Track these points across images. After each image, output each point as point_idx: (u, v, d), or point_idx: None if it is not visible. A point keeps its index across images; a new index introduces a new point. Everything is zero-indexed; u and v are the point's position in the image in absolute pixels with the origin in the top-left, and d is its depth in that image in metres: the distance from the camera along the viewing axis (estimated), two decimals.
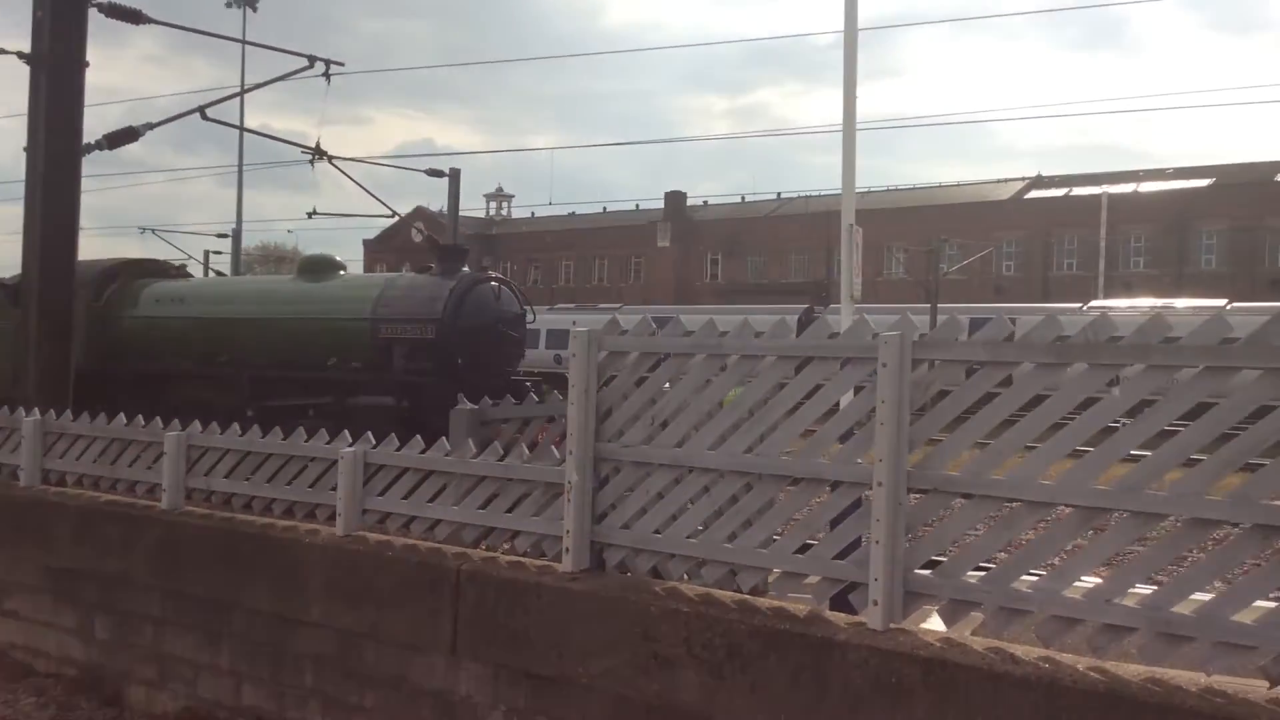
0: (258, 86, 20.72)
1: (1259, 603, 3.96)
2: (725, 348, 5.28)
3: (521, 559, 5.84)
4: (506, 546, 6.05)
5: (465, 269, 12.37)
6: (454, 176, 26.01)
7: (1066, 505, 4.33)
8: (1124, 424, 4.20)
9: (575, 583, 5.35)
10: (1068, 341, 4.33)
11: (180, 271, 16.33)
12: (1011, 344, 4.49)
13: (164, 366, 13.46)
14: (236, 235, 44.91)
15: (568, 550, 5.53)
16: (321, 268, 13.57)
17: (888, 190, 71.45)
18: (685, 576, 5.37)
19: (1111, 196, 57.80)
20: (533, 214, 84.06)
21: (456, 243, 13.67)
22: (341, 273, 13.79)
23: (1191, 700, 3.76)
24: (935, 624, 4.74)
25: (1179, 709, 3.74)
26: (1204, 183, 58.79)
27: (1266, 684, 3.85)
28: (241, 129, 29.02)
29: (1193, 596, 4.12)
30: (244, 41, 28.67)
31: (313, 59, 16.95)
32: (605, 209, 79.85)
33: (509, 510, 5.97)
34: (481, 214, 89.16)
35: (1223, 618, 3.92)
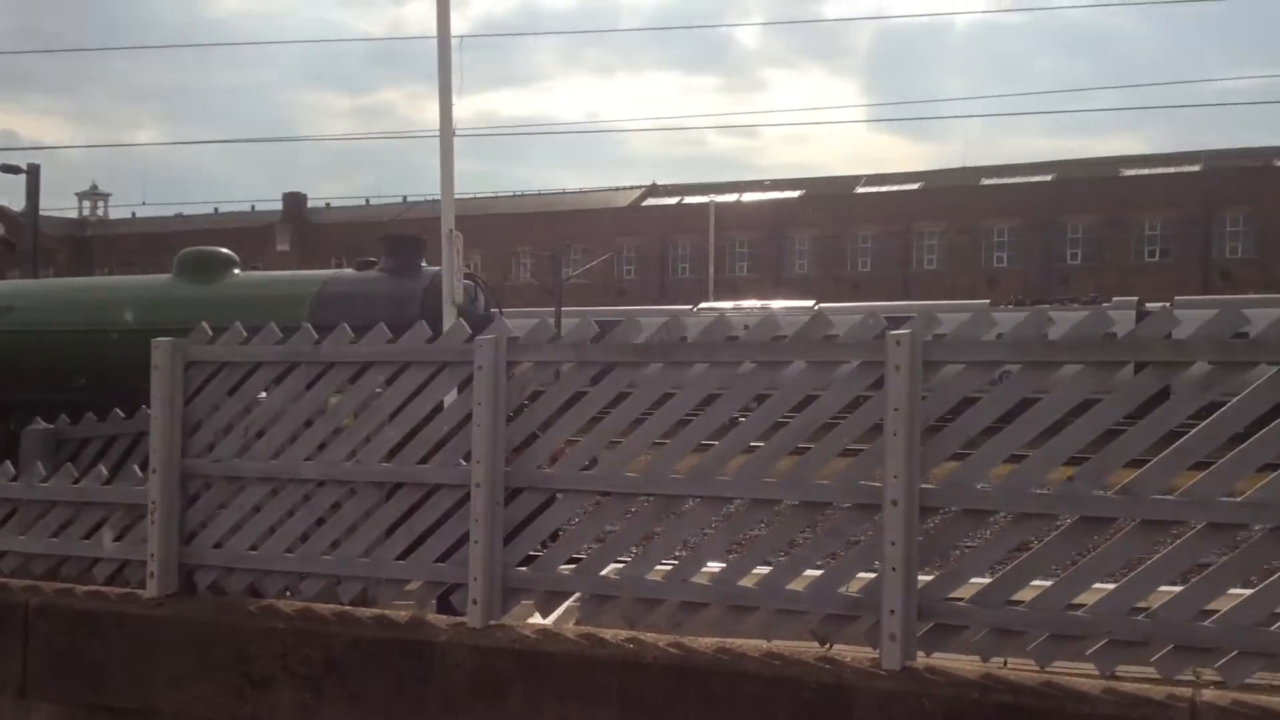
0: None
1: (809, 571, 4.44)
2: (321, 355, 5.17)
3: (102, 588, 5.40)
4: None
5: (424, 264, 10.18)
6: (33, 172, 23.50)
7: (649, 495, 4.64)
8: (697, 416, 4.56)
9: (161, 609, 5.04)
10: (645, 343, 4.63)
11: None
12: (597, 345, 4.73)
13: None
14: None
15: (153, 575, 5.19)
16: (210, 265, 10.79)
17: (515, 195, 72.74)
18: (289, 593, 5.21)
19: (718, 205, 62.23)
20: (133, 214, 77.48)
21: (402, 235, 10.80)
22: (236, 271, 11.07)
23: (754, 665, 4.14)
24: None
25: (744, 674, 4.12)
26: (795, 194, 64.65)
27: (818, 644, 4.32)
28: None
29: (756, 570, 4.54)
30: None
31: None
32: (217, 209, 75.36)
33: (86, 537, 5.51)
34: (75, 214, 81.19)
35: (780, 587, 4.35)
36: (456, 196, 8.76)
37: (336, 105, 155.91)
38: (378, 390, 5.13)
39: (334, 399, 5.27)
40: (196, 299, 10.24)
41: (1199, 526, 3.80)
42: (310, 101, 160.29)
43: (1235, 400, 3.73)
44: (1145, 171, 56.29)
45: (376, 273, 10.22)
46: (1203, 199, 53.03)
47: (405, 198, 70.60)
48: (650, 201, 68.98)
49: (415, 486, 5.00)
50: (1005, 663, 4.29)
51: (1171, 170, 55.62)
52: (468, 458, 4.80)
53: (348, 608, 4.98)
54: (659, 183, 71.49)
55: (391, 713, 4.52)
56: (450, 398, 5.13)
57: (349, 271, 10.55)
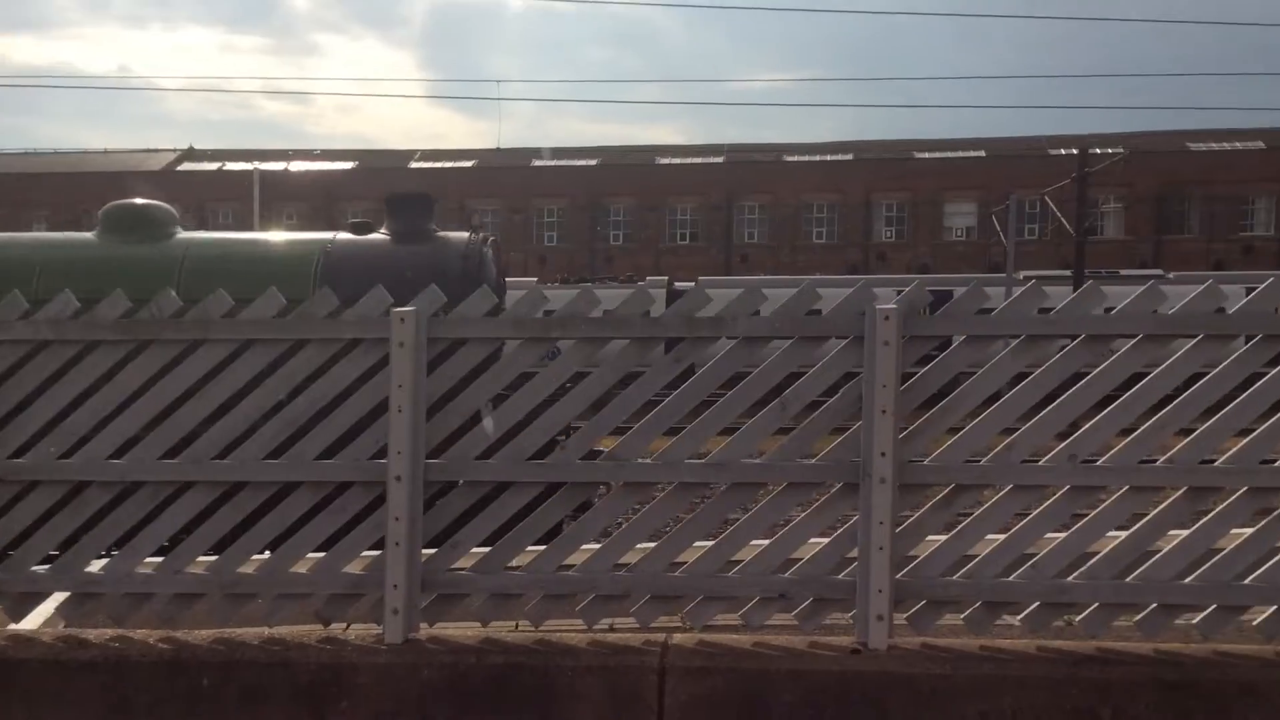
0: None
1: (313, 554, 4.35)
2: None
3: None
4: None
5: (433, 227, 8.71)
6: None
7: (138, 482, 4.30)
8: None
9: None
10: (135, 319, 4.30)
11: None
12: (78, 322, 4.33)
13: None
14: None
15: None
16: (150, 222, 8.96)
17: (27, 153, 64.73)
18: None
19: (265, 174, 59.17)
20: None
21: (410, 193, 9.19)
22: (178, 229, 9.03)
23: (252, 653, 4.02)
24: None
25: (240, 662, 3.97)
26: (348, 165, 63.15)
27: (321, 625, 4.27)
28: None
29: (258, 556, 4.37)
30: None
31: None
32: None
33: None
34: None
35: (282, 571, 4.24)
36: None
37: None
38: None
39: None
40: (152, 263, 8.66)
41: (672, 486, 4.19)
42: None
43: (701, 370, 4.13)
44: (677, 161, 60.94)
45: (384, 237, 9.07)
46: (725, 188, 58.39)
47: None
48: (187, 166, 64.26)
49: None
50: (517, 626, 4.48)
51: (699, 161, 60.66)
52: None
53: None
54: (197, 146, 66.80)
55: None
56: None
57: (347, 236, 9.21)
